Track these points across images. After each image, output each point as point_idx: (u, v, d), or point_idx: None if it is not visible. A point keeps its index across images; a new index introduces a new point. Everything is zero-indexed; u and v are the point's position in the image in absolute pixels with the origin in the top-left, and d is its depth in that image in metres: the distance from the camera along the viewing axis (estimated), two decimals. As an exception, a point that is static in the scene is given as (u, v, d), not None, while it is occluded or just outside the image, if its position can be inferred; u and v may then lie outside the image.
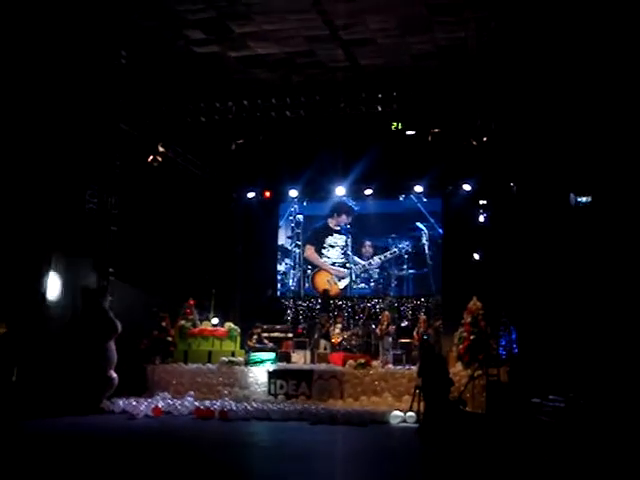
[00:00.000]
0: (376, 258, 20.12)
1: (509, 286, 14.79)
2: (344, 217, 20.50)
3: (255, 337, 17.24)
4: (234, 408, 13.73)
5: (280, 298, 20.78)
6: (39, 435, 11.27)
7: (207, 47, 14.46)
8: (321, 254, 20.67)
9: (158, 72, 15.40)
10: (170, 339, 16.72)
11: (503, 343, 14.55)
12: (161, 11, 13.07)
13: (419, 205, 19.72)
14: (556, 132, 14.79)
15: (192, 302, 17.62)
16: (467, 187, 18.22)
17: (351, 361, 15.40)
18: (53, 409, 13.15)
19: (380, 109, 16.03)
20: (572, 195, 15.18)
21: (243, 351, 16.79)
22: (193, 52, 14.63)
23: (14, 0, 12.51)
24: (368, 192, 19.72)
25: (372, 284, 20.26)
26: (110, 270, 15.75)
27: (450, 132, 16.52)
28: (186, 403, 14.24)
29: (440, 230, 19.57)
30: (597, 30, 12.96)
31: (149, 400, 14.39)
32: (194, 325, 17.37)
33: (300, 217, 20.93)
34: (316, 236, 20.81)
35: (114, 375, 14.54)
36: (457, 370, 14.25)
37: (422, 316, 17.55)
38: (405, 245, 19.75)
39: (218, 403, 14.18)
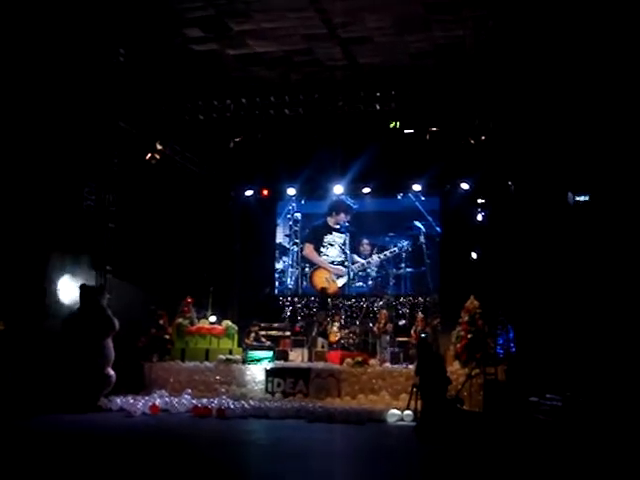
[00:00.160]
0: (375, 257, 20.12)
1: (507, 285, 14.80)
2: (342, 215, 20.49)
3: (253, 335, 17.26)
4: (231, 406, 13.73)
5: (278, 296, 20.78)
6: (36, 433, 11.27)
7: (205, 45, 14.44)
8: (320, 252, 20.67)
9: (156, 70, 15.38)
10: (168, 337, 16.72)
11: (500, 342, 14.56)
12: (160, 9, 13.05)
13: (417, 204, 19.72)
14: (554, 131, 14.79)
15: (190, 300, 17.63)
16: (465, 186, 18.21)
17: (349, 359, 15.41)
18: (50, 407, 13.15)
19: (378, 107, 16.04)
20: (570, 194, 15.19)
21: (241, 349, 16.81)
22: (191, 50, 14.61)
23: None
24: (366, 191, 19.71)
25: (370, 282, 20.27)
26: (108, 268, 15.76)
27: (448, 131, 16.52)
28: (183, 401, 14.25)
29: (438, 229, 19.57)
30: (595, 29, 12.96)
31: (146, 398, 14.38)
32: (192, 323, 17.39)
33: (298, 215, 20.93)
34: (315, 234, 20.80)
35: (111, 373, 14.53)
36: (455, 369, 14.26)
37: (420, 315, 17.58)
38: (405, 244, 19.75)
39: (215, 401, 14.18)
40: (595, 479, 8.54)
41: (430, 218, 19.66)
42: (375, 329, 17.07)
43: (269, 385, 15.19)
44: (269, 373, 15.32)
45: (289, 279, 20.91)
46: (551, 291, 14.45)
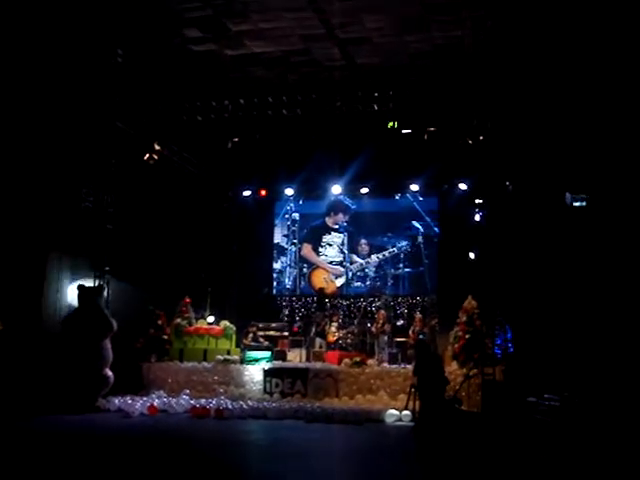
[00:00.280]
0: (374, 257, 20.13)
1: (505, 285, 14.81)
2: (341, 216, 20.49)
3: (251, 335, 17.25)
4: (230, 406, 13.74)
5: (276, 296, 20.78)
6: (35, 433, 11.27)
7: (203, 45, 14.43)
8: (318, 252, 20.67)
9: (154, 70, 15.37)
10: (166, 337, 16.73)
11: (498, 342, 14.57)
12: (158, 9, 13.04)
13: (415, 204, 19.73)
14: (552, 131, 14.80)
15: (188, 300, 17.64)
16: (463, 186, 18.23)
17: (347, 359, 15.42)
18: (49, 407, 13.15)
19: (376, 108, 16.03)
20: (568, 194, 15.20)
21: (239, 349, 16.81)
22: (189, 50, 14.60)
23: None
24: (364, 191, 19.72)
25: (368, 283, 20.27)
26: (106, 268, 15.73)
27: (446, 131, 16.53)
28: (182, 401, 14.25)
29: (436, 229, 19.58)
30: (593, 29, 12.97)
31: (145, 398, 14.38)
32: (190, 323, 17.39)
33: (296, 215, 20.93)
34: (313, 234, 20.80)
35: (110, 373, 14.53)
36: (453, 369, 14.28)
37: (418, 315, 17.58)
38: (404, 244, 19.75)
39: (214, 401, 14.18)
40: (594, 479, 8.56)
41: (428, 218, 19.67)
42: (373, 329, 17.07)
43: (267, 385, 15.20)
44: (267, 373, 15.33)
45: (287, 279, 20.91)
46: (549, 291, 14.45)
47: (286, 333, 18.00)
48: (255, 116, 16.60)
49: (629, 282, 13.64)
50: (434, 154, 17.09)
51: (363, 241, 20.31)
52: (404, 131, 16.71)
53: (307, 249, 20.79)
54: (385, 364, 15.53)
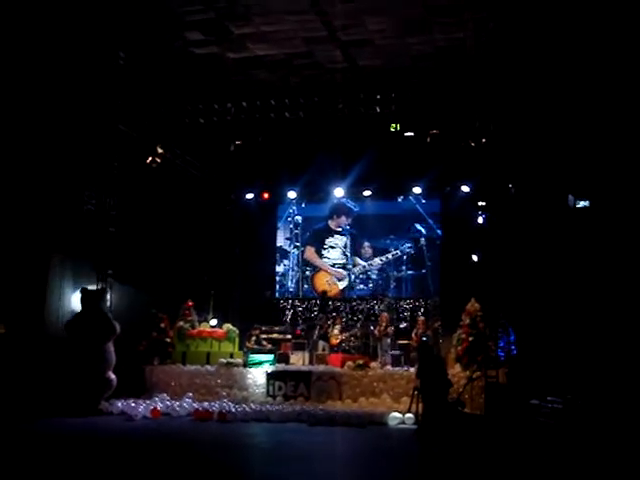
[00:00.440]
0: (377, 259, 20.11)
1: (507, 288, 14.78)
2: (343, 218, 20.48)
3: (254, 338, 17.24)
4: (233, 409, 13.73)
5: (279, 299, 20.77)
6: (37, 436, 11.27)
7: (206, 48, 14.43)
8: (321, 255, 20.66)
9: (157, 73, 15.38)
10: (169, 340, 16.72)
11: (502, 344, 14.54)
12: (160, 12, 13.05)
13: (418, 206, 19.71)
14: (554, 133, 14.79)
15: (191, 303, 17.62)
16: (466, 188, 18.21)
17: (350, 362, 15.41)
18: (51, 410, 13.15)
19: (379, 110, 16.02)
20: (571, 196, 15.18)
21: (242, 352, 16.78)
22: (192, 53, 14.61)
23: (14, 0, 12.50)
24: (367, 193, 19.72)
25: (371, 285, 20.26)
26: (109, 271, 15.74)
27: (449, 133, 16.52)
28: (185, 404, 14.25)
29: (439, 231, 19.56)
30: (596, 32, 12.96)
31: (147, 401, 14.39)
32: (193, 326, 17.37)
33: (299, 218, 20.91)
34: (316, 237, 20.79)
35: (112, 376, 14.53)
36: (456, 371, 14.26)
37: (421, 317, 17.59)
38: (407, 247, 19.74)
39: (217, 404, 14.19)
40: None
41: (431, 221, 19.65)
42: (376, 332, 17.05)
43: (270, 388, 15.19)
44: (270, 376, 15.32)
45: (290, 282, 20.90)
46: (552, 294, 14.44)
47: (289, 336, 17.96)
48: (257, 119, 16.60)
49: (632, 285, 13.61)
50: (436, 156, 17.08)
51: (367, 244, 20.30)
52: (406, 133, 16.70)
53: (310, 252, 20.78)
54: (388, 367, 15.50)
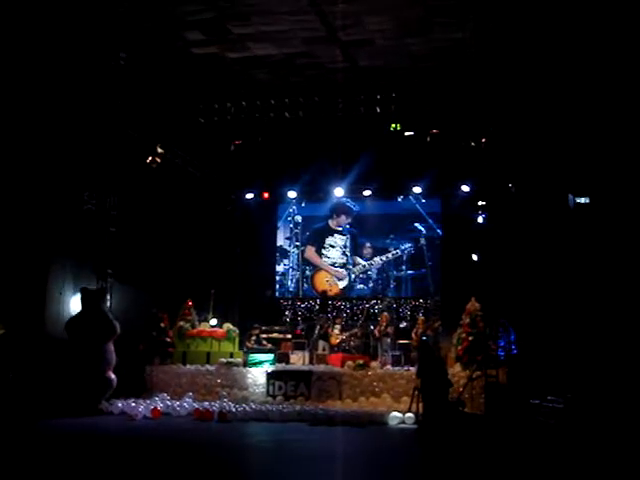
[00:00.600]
0: (377, 259, 20.11)
1: (508, 287, 14.80)
2: (343, 218, 20.49)
3: (254, 338, 17.24)
4: (233, 409, 13.73)
5: (279, 299, 20.77)
6: (38, 436, 11.27)
7: (206, 48, 14.44)
8: (321, 254, 20.66)
9: (157, 73, 15.39)
10: (169, 340, 16.72)
11: (502, 344, 14.55)
12: (160, 12, 13.05)
13: (418, 206, 19.72)
14: (554, 133, 14.80)
15: (191, 303, 17.63)
16: (466, 188, 18.22)
17: (350, 362, 15.41)
18: (52, 410, 13.15)
19: (379, 110, 16.04)
20: (571, 196, 15.19)
21: (242, 352, 16.78)
22: (192, 53, 14.61)
23: (14, 1, 12.50)
24: (367, 193, 19.73)
25: (371, 285, 20.27)
26: (109, 271, 15.75)
27: (449, 133, 16.53)
28: (185, 404, 14.25)
29: (439, 231, 19.56)
30: (595, 32, 12.96)
31: (148, 401, 14.39)
32: (193, 326, 17.37)
33: (299, 218, 20.91)
34: (316, 236, 20.79)
35: (113, 376, 14.53)
36: (456, 371, 14.27)
37: (421, 317, 17.58)
38: (407, 247, 19.74)
39: (217, 404, 14.18)
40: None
41: (431, 220, 19.66)
42: (376, 332, 17.05)
43: (270, 388, 15.19)
44: (270, 376, 15.32)
45: (290, 282, 20.90)
46: (552, 293, 14.45)
47: (289, 336, 17.98)
48: (257, 119, 16.62)
49: (632, 285, 13.62)
50: (437, 156, 17.10)
51: (367, 244, 20.30)
52: (407, 133, 16.73)
53: (310, 251, 20.79)
54: (388, 366, 15.50)
